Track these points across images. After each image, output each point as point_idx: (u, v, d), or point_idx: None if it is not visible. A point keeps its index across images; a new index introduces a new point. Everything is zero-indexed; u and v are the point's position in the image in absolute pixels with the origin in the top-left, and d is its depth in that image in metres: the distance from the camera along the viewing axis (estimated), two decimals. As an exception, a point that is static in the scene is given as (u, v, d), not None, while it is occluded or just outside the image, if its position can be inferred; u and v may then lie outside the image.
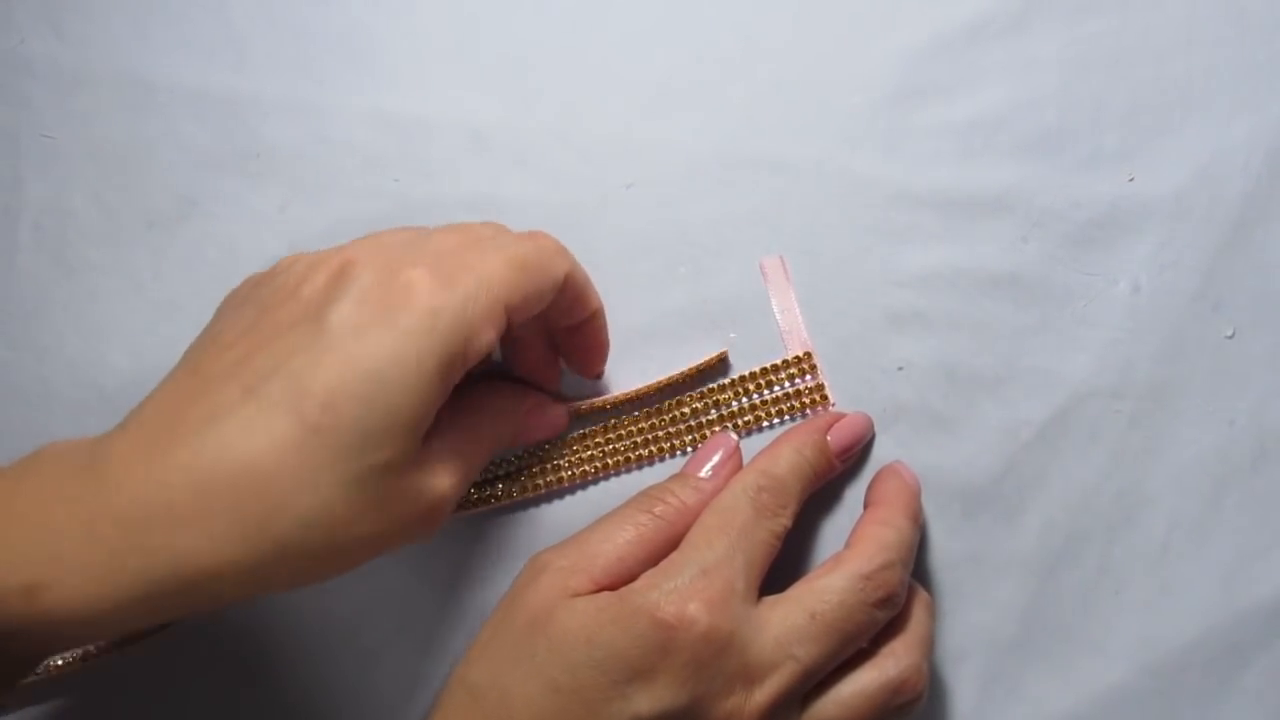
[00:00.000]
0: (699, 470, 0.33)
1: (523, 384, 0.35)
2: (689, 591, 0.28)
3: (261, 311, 0.28)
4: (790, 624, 0.29)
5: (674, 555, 0.30)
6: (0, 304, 0.37)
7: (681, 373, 0.36)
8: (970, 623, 0.35)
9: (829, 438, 0.34)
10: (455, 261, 0.28)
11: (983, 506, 0.35)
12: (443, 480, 0.28)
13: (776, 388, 0.36)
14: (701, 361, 0.36)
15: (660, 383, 0.36)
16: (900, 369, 0.36)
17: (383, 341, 0.26)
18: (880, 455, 0.35)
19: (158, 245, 0.37)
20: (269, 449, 0.25)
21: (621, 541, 0.30)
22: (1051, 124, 0.37)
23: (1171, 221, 0.37)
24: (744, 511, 0.30)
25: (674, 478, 0.33)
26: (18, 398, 0.36)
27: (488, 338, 0.28)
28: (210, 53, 0.38)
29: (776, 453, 0.33)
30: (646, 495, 0.32)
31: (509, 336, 0.32)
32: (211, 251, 0.37)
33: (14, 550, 0.24)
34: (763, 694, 0.28)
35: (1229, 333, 0.36)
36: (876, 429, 0.36)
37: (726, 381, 0.36)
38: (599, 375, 0.36)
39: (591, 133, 0.37)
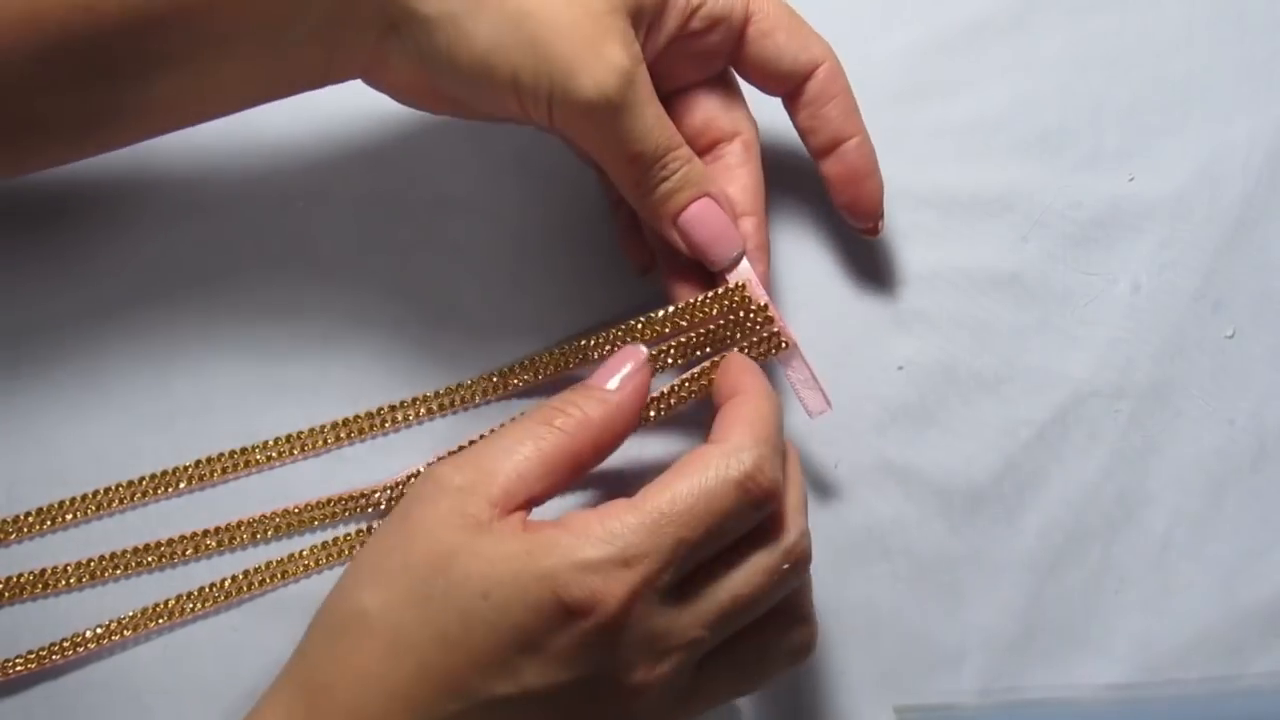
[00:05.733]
0: (605, 382, 0.30)
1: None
2: (603, 579, 0.26)
3: None
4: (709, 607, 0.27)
5: (610, 514, 0.27)
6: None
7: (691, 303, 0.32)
8: (970, 623, 0.35)
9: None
10: None
11: (983, 505, 0.35)
12: (622, 57, 0.29)
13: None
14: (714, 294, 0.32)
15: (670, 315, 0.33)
16: (901, 368, 0.36)
17: None
18: (882, 455, 0.35)
19: (158, 245, 0.37)
20: None
21: (520, 458, 0.28)
22: (1051, 124, 0.37)
23: (1171, 221, 0.37)
24: (728, 499, 0.27)
25: (576, 388, 0.30)
26: (19, 392, 0.36)
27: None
28: (211, 52, 0.38)
29: (765, 431, 0.28)
30: (546, 407, 0.29)
31: None
32: (212, 251, 0.37)
33: None
34: (663, 668, 0.27)
35: (1229, 333, 0.36)
36: (878, 428, 0.36)
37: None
38: (872, 226, 0.34)
39: (592, 132, 0.37)
